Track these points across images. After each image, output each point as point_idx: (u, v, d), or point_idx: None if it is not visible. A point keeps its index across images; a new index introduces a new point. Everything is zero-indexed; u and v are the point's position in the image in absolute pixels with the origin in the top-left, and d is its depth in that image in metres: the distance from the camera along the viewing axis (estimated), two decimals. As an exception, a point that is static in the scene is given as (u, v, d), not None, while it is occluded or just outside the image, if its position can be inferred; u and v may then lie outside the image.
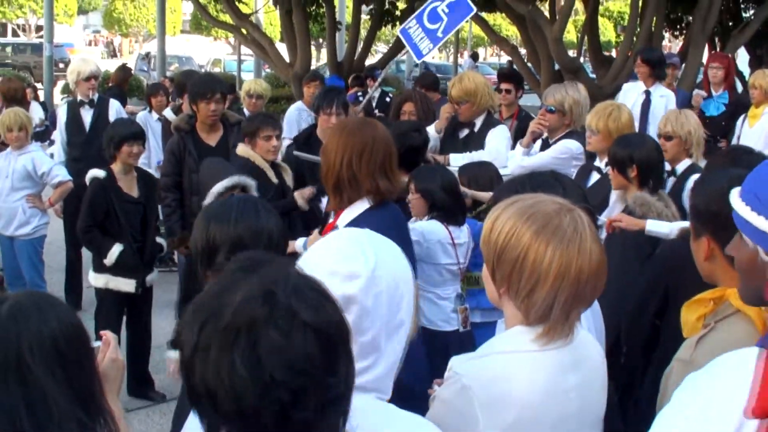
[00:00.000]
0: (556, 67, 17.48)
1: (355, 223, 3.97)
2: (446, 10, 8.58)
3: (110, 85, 14.48)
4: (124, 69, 13.23)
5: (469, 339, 5.31)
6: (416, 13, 8.96)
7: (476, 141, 7.28)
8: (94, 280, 7.17)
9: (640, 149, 5.37)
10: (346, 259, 2.17)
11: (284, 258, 1.94)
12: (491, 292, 2.60)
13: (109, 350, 2.68)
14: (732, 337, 2.70)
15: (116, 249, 6.95)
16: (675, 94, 10.79)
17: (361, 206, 4.12)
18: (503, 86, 8.93)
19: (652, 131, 8.20)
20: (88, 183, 7.15)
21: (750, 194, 2.05)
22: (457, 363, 2.47)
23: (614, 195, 5.66)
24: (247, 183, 5.26)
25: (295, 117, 10.80)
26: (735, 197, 2.10)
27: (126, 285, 7.06)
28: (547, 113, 6.84)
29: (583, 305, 2.52)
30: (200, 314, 1.69)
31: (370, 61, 23.39)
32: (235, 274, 1.74)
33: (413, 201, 5.51)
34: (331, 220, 4.30)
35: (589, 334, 2.75)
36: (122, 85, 13.14)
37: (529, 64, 19.52)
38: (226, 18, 23.63)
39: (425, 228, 5.37)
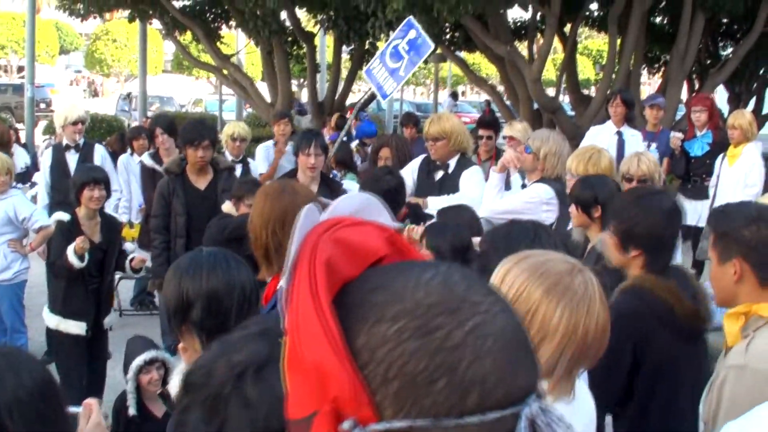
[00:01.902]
0: (535, 106, 17.61)
1: None
2: (406, 48, 8.72)
3: (105, 142, 14.42)
4: (122, 139, 13.24)
5: None
6: (379, 52, 9.10)
7: (451, 183, 7.35)
8: (48, 319, 7.25)
9: (604, 190, 5.44)
10: None
11: None
12: None
13: (93, 414, 2.70)
14: None
15: (69, 250, 6.99)
16: (658, 134, 10.95)
17: None
18: (483, 133, 9.12)
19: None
20: (53, 224, 7.27)
21: None
22: None
23: (574, 232, 5.71)
24: (166, 358, 5.65)
25: (264, 154, 11.08)
26: None
27: (76, 327, 7.12)
28: (525, 152, 6.90)
29: (586, 364, 2.59)
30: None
31: (351, 100, 23.51)
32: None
33: (425, 257, 5.53)
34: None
35: (584, 385, 2.80)
36: (116, 151, 13.04)
37: (509, 103, 19.68)
38: (208, 58, 23.75)
39: None
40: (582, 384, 2.74)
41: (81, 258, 6.95)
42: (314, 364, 1.06)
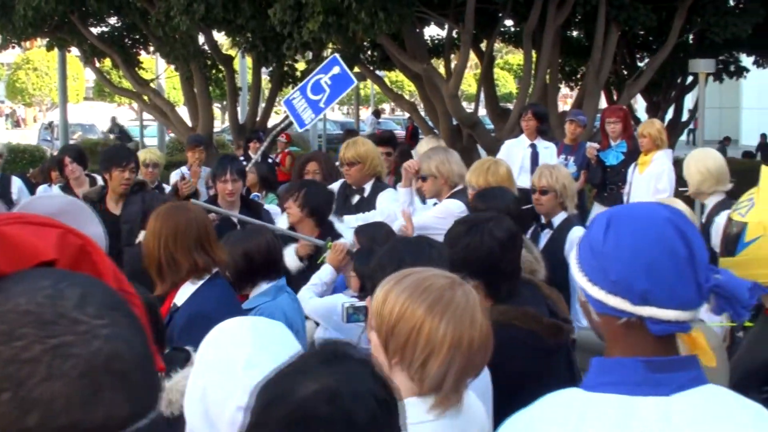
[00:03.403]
0: (455, 121, 17.76)
1: (189, 303, 4.25)
2: (329, 82, 8.84)
3: (28, 175, 14.22)
4: (43, 171, 13.09)
5: None
6: (300, 84, 9.22)
7: (367, 206, 7.45)
8: None
9: (500, 202, 5.45)
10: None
11: (363, 355, 1.95)
12: (381, 363, 2.69)
13: None
14: None
15: None
16: (575, 147, 11.14)
17: (191, 286, 4.36)
18: (381, 149, 9.28)
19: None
20: None
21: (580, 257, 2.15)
22: None
23: None
24: None
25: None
26: (573, 259, 2.20)
27: None
28: (422, 183, 7.01)
29: (473, 374, 2.65)
30: (268, 393, 1.76)
31: (273, 121, 23.49)
32: (312, 361, 1.81)
33: (351, 279, 5.57)
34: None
35: (473, 394, 2.85)
36: (39, 183, 12.88)
37: (429, 119, 19.83)
38: (129, 84, 23.60)
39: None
40: (471, 394, 2.80)
41: None
42: None
